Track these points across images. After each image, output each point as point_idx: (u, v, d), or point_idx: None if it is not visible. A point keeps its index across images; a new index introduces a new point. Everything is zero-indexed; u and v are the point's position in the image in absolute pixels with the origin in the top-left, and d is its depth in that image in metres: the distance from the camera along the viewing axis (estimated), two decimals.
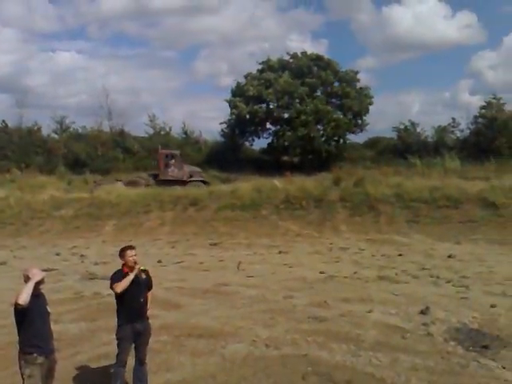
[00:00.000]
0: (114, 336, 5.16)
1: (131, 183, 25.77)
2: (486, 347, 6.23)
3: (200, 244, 16.32)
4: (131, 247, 5.12)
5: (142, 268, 5.07)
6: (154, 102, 66.22)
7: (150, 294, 5.28)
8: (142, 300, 5.09)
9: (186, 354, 6.32)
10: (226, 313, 8.00)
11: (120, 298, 4.97)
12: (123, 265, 5.06)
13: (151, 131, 38.30)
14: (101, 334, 6.99)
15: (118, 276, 5.00)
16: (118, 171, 32.01)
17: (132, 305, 4.99)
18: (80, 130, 39.60)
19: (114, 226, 19.72)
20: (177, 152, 28.97)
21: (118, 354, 5.07)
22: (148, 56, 77.84)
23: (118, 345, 5.08)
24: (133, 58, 79.65)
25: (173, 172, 27.19)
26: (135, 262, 5.02)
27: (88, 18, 76.59)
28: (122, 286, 4.88)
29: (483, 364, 5.78)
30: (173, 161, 27.52)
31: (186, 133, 38.36)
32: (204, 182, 26.61)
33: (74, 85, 65.62)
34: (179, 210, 20.76)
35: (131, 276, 4.92)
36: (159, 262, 12.95)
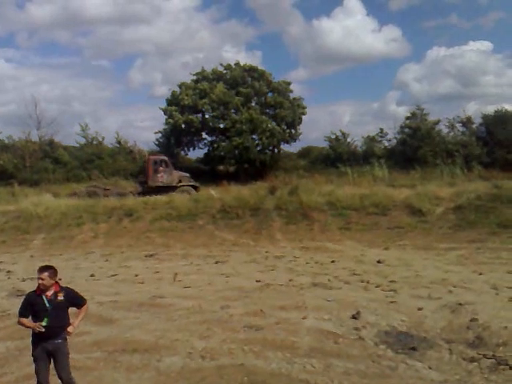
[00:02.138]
0: None
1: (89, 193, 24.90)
2: (413, 349, 6.53)
3: (135, 256, 15.99)
4: (43, 269, 4.96)
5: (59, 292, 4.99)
6: (87, 111, 64.70)
7: (82, 311, 5.18)
8: (56, 321, 4.92)
9: (119, 369, 6.19)
10: (161, 326, 7.89)
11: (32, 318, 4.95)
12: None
13: (83, 141, 37.25)
14: (29, 353, 6.68)
15: (27, 300, 5.00)
16: (48, 182, 30.82)
17: (47, 325, 4.88)
18: (6, 141, 37.79)
19: (43, 239, 18.96)
20: (165, 157, 28.30)
21: (36, 373, 5.01)
22: (80, 65, 76.25)
23: (34, 363, 5.03)
24: (64, 67, 77.70)
25: (162, 178, 26.57)
26: (42, 288, 4.94)
27: (17, 25, 73.87)
28: (22, 324, 5.02)
29: (411, 365, 6.06)
30: (162, 167, 26.86)
31: (119, 142, 37.56)
32: (194, 187, 26.19)
33: (2, 94, 62.90)
34: (113, 222, 20.27)
35: (30, 325, 4.92)
36: (92, 275, 12.58)
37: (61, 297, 4.97)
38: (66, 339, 5.08)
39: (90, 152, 35.24)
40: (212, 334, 7.39)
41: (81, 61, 77.59)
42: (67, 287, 5.19)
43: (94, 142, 37.09)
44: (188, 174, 28.25)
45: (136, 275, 12.57)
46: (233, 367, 6.12)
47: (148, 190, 25.24)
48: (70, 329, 5.02)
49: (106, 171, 33.34)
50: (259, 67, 37.26)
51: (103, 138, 37.64)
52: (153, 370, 6.17)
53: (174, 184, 26.39)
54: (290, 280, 11.13)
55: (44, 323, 4.89)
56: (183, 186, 26.33)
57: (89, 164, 34.25)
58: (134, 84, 73.35)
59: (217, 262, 14.19)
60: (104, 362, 6.43)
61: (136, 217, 20.42)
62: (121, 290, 10.84)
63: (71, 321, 5.12)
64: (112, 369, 6.23)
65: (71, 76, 76.55)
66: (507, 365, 5.86)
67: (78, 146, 37.02)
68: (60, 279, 5.39)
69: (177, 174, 27.41)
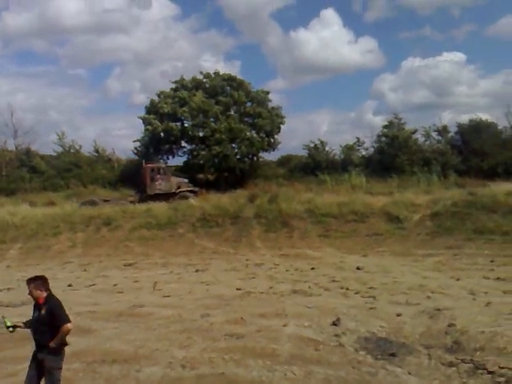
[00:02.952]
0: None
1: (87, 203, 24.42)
2: (393, 355, 6.58)
3: (114, 265, 15.83)
4: (29, 280, 5.00)
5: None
6: (64, 120, 63.72)
7: (62, 330, 4.96)
8: (37, 334, 4.97)
9: (99, 380, 6.12)
10: (140, 335, 7.82)
11: None
12: None
13: (60, 150, 36.85)
14: (6, 365, 6.57)
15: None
16: (24, 192, 30.36)
17: (33, 336, 5.02)
18: None
19: (20, 249, 18.64)
20: (162, 165, 28.25)
21: None
22: (57, 74, 75.32)
23: None
24: (41, 75, 76.66)
25: (160, 185, 26.29)
26: (34, 298, 4.99)
27: None
28: None
29: (391, 371, 6.11)
30: (159, 174, 26.60)
31: (97, 151, 37.24)
32: (193, 192, 25.97)
33: None
34: (91, 231, 20.03)
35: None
36: (70, 285, 12.40)
37: (43, 311, 4.91)
38: (53, 354, 4.95)
39: (67, 161, 34.89)
40: (192, 342, 7.35)
41: (57, 69, 76.84)
42: (55, 303, 5.01)
43: (72, 151, 36.73)
44: (186, 180, 28.13)
45: (115, 285, 12.44)
46: (213, 376, 6.10)
47: (147, 199, 24.89)
48: (50, 343, 4.94)
49: (83, 180, 33.02)
50: (238, 77, 37.50)
51: (80, 147, 37.40)
52: (132, 380, 6.11)
53: (173, 190, 26.14)
54: (271, 287, 11.15)
55: (8, 323, 5.01)
56: (182, 191, 26.08)
57: (66, 173, 33.88)
58: (112, 92, 72.78)
59: (197, 271, 14.13)
60: (83, 373, 6.35)
61: (115, 226, 20.22)
62: (99, 299, 10.71)
63: None
64: (91, 380, 6.15)
65: (48, 85, 75.68)
66: (485, 369, 5.95)
67: (55, 154, 36.65)
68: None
69: (175, 180, 27.22)
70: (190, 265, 15.23)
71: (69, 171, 33.98)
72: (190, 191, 26.28)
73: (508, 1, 69.04)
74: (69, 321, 5.00)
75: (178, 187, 26.59)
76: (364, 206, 19.65)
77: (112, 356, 6.89)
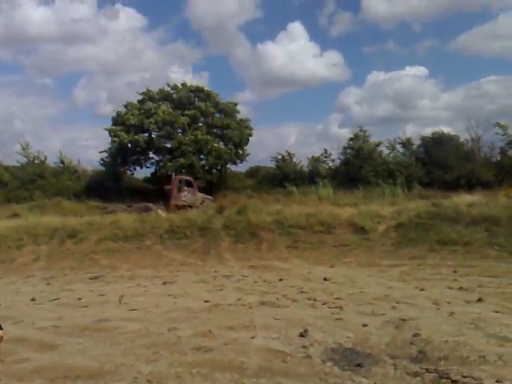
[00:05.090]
0: None
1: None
2: (359, 365, 6.60)
3: (79, 279, 15.50)
4: None
5: None
6: (30, 130, 62.65)
7: None
8: None
9: None
10: (105, 350, 7.64)
11: None
12: None
13: (25, 160, 36.05)
14: None
15: None
16: None
17: None
18: None
19: None
20: (191, 178, 28.32)
21: None
22: (22, 83, 74.00)
23: None
24: (5, 85, 75.13)
25: (186, 197, 26.48)
26: None
27: None
28: None
29: (357, 382, 6.11)
30: (186, 186, 26.81)
31: (62, 162, 36.63)
32: None
33: None
34: (55, 244, 19.60)
35: None
36: (33, 300, 12.06)
37: None
38: None
39: (31, 172, 34.20)
40: (159, 357, 7.23)
41: (23, 79, 75.56)
42: None
43: (36, 161, 36.02)
44: (211, 197, 28.56)
45: (79, 298, 12.16)
46: None
47: (171, 209, 24.77)
48: None
49: (48, 191, 32.38)
50: (206, 88, 37.62)
51: (45, 158, 36.74)
52: None
53: (197, 205, 26.32)
54: (239, 299, 11.09)
55: None
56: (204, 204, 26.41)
57: (30, 184, 33.18)
58: (78, 102, 72.03)
59: (164, 283, 13.97)
60: None
61: (80, 238, 19.84)
62: (63, 314, 10.43)
63: None
64: None
65: (13, 94, 74.53)
66: (448, 378, 6.03)
67: (18, 165, 35.84)
68: None
69: (200, 195, 27.58)
70: (157, 277, 15.05)
71: (33, 182, 33.31)
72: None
73: (466, 18, 71.93)
74: (0, 328, 4.91)
75: (203, 202, 26.92)
76: (331, 217, 19.86)
77: (75, 372, 6.70)
